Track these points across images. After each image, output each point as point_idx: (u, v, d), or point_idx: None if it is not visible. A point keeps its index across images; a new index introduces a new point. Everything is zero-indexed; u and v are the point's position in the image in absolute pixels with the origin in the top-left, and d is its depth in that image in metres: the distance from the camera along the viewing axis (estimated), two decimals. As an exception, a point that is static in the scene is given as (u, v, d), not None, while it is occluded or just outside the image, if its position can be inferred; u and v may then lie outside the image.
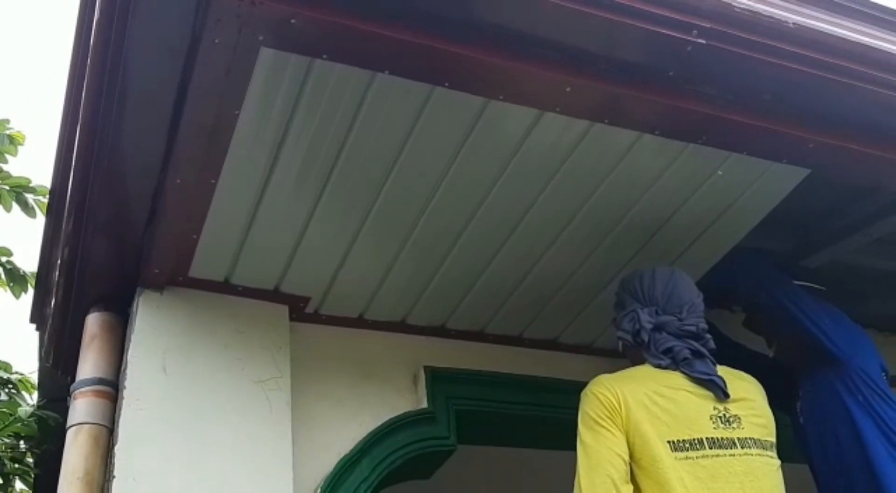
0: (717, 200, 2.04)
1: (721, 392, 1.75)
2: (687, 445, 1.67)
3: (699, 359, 1.79)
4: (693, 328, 1.82)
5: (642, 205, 2.02)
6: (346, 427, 2.05)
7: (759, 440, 1.74)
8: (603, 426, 1.69)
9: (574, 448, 1.96)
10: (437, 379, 2.19)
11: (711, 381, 1.76)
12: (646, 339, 1.81)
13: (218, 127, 1.58)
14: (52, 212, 2.20)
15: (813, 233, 2.46)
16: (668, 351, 1.79)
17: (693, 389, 1.76)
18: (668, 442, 1.67)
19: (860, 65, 1.68)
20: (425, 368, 2.20)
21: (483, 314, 2.30)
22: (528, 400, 2.28)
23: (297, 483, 1.87)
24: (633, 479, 1.67)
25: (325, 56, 1.48)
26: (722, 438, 1.69)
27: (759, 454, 1.72)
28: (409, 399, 2.17)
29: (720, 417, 1.73)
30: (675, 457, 1.65)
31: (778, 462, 1.77)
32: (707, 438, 1.68)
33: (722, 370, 1.82)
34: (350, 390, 2.12)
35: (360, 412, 2.09)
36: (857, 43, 1.67)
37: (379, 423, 2.08)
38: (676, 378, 1.77)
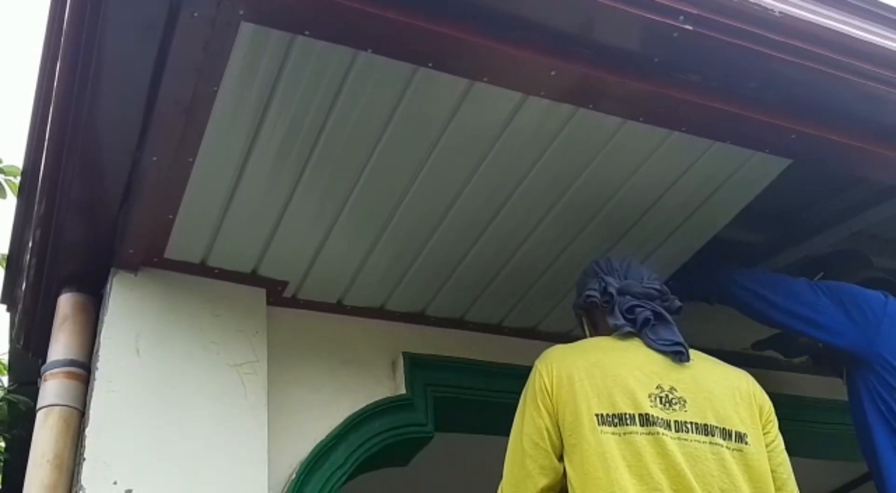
0: (698, 189, 2.04)
1: (683, 355, 1.72)
2: (616, 419, 1.63)
3: (662, 324, 1.77)
4: (657, 286, 1.83)
5: (624, 193, 2.01)
6: (322, 413, 2.03)
7: (707, 425, 1.66)
8: (534, 405, 1.72)
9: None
10: (416, 366, 2.18)
11: (675, 344, 1.73)
12: (613, 294, 1.80)
13: (195, 104, 1.54)
14: (25, 192, 2.15)
15: (791, 226, 2.47)
16: (630, 311, 1.78)
17: (644, 364, 1.72)
18: (597, 415, 1.64)
19: (845, 56, 1.68)
20: (404, 354, 2.18)
21: (463, 301, 2.29)
22: (506, 388, 2.25)
23: (272, 469, 1.84)
24: (566, 454, 1.65)
25: (306, 33, 1.45)
26: (657, 417, 1.64)
27: (703, 441, 1.65)
28: (387, 386, 2.15)
29: (661, 397, 1.68)
30: (601, 431, 1.63)
31: (747, 451, 1.68)
32: (641, 414, 1.63)
33: (702, 357, 1.80)
34: (327, 376, 2.10)
35: (337, 398, 2.07)
36: (843, 34, 1.67)
37: (356, 409, 2.06)
38: (629, 351, 1.74)
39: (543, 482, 1.67)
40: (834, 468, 3.11)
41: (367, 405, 2.08)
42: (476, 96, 1.68)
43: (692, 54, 1.61)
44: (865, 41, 1.69)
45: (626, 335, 1.77)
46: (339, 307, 2.21)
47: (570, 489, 1.65)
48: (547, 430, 1.69)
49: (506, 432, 2.40)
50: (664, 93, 1.65)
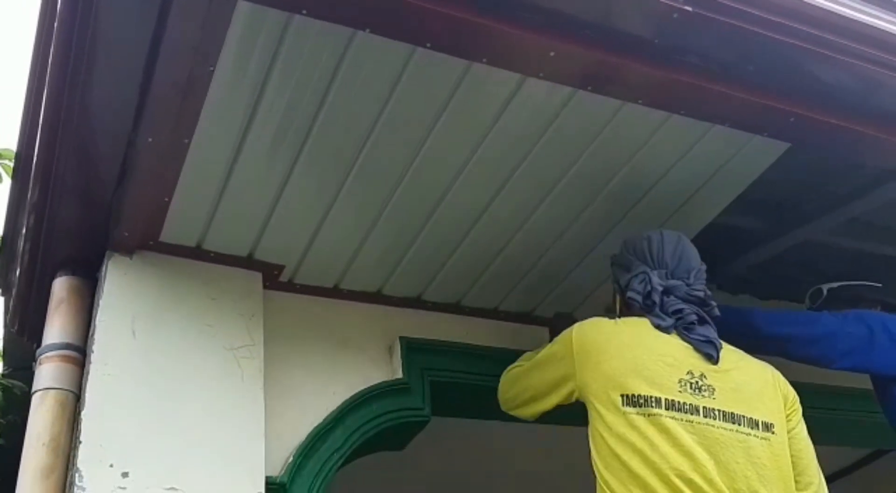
0: (696, 173, 2.03)
1: (715, 351, 1.75)
2: (641, 400, 1.67)
3: (703, 325, 1.80)
4: (700, 294, 1.83)
5: (621, 177, 2.01)
6: (319, 397, 2.02)
7: (735, 414, 1.71)
8: (554, 364, 1.84)
9: (546, 422, 1.99)
10: (413, 350, 2.17)
11: (708, 342, 1.76)
12: (657, 301, 1.80)
13: (192, 84, 1.53)
14: (19, 175, 2.13)
15: (787, 212, 2.47)
16: (676, 312, 1.79)
17: (677, 352, 1.75)
18: (622, 396, 1.69)
19: (845, 39, 1.67)
20: (401, 338, 2.17)
21: (460, 286, 2.28)
22: (503, 373, 2.26)
23: (269, 452, 1.84)
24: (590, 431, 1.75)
25: (304, 11, 1.43)
26: (685, 403, 1.68)
27: (731, 429, 1.70)
28: (383, 370, 2.15)
29: (691, 383, 1.71)
30: (625, 411, 1.67)
31: (774, 441, 1.73)
32: (667, 399, 1.67)
33: (730, 350, 1.82)
34: (324, 360, 2.09)
35: (333, 382, 2.07)
36: (844, 17, 1.66)
37: (353, 393, 2.06)
38: (664, 337, 1.77)
39: (531, 410, 1.92)
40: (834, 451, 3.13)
41: (364, 389, 2.08)
42: (475, 78, 1.67)
43: (692, 36, 1.60)
44: (865, 24, 1.68)
45: (665, 328, 1.79)
46: (335, 292, 2.20)
47: (593, 465, 1.71)
48: (553, 385, 1.83)
49: (502, 417, 2.41)
50: (664, 75, 1.64)
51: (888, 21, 1.74)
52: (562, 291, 2.34)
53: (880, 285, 2.40)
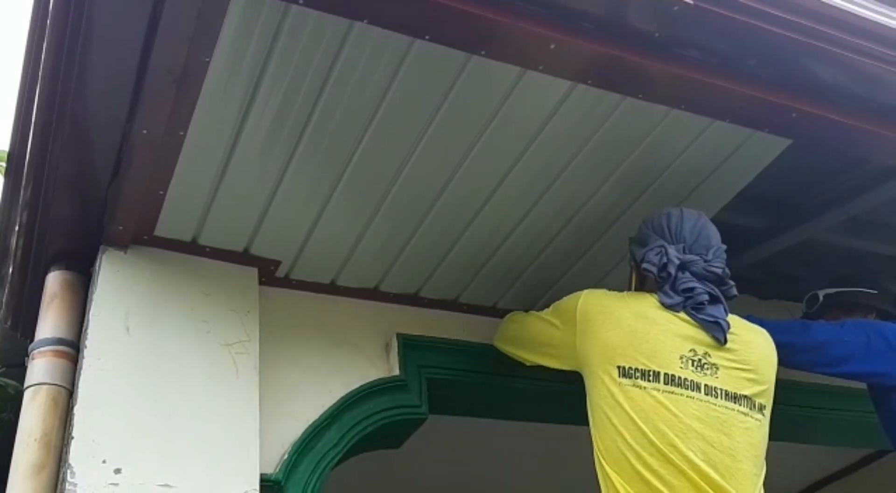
0: (696, 169, 2.02)
1: (721, 334, 1.74)
2: (638, 373, 1.67)
3: (713, 304, 1.77)
4: (719, 271, 1.80)
5: (621, 172, 1.99)
6: (315, 394, 2.01)
7: (737, 394, 1.71)
8: (556, 321, 1.89)
9: (544, 421, 1.99)
10: (410, 347, 2.15)
11: (716, 323, 1.74)
12: (672, 273, 1.77)
13: (187, 75, 1.51)
14: (11, 171, 2.11)
15: (787, 210, 2.46)
16: (687, 290, 1.76)
17: (681, 329, 1.74)
18: (618, 367, 1.69)
19: (847, 34, 1.65)
20: (398, 335, 2.15)
21: (457, 283, 2.26)
22: (501, 371, 2.24)
23: (264, 449, 1.82)
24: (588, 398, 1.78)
25: (301, 1, 1.41)
26: (685, 378, 1.68)
27: (732, 408, 1.69)
28: (380, 367, 2.13)
29: (693, 359, 1.70)
30: (621, 382, 1.68)
31: (763, 423, 1.75)
32: (666, 373, 1.67)
33: (737, 320, 1.81)
34: (320, 357, 2.07)
35: (330, 379, 2.05)
36: (847, 12, 1.65)
37: (349, 389, 2.04)
38: (669, 314, 1.75)
39: (519, 353, 2.03)
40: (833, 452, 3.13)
41: (361, 386, 2.06)
42: (473, 70, 1.65)
43: (693, 30, 1.58)
44: (868, 20, 1.67)
45: (672, 307, 1.77)
46: (332, 288, 2.18)
47: (591, 430, 1.74)
48: (551, 343, 1.87)
49: (499, 415, 2.39)
50: (664, 69, 1.62)
51: (891, 17, 1.73)
52: (560, 288, 2.32)
53: (876, 292, 2.39)
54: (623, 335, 1.72)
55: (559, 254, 2.21)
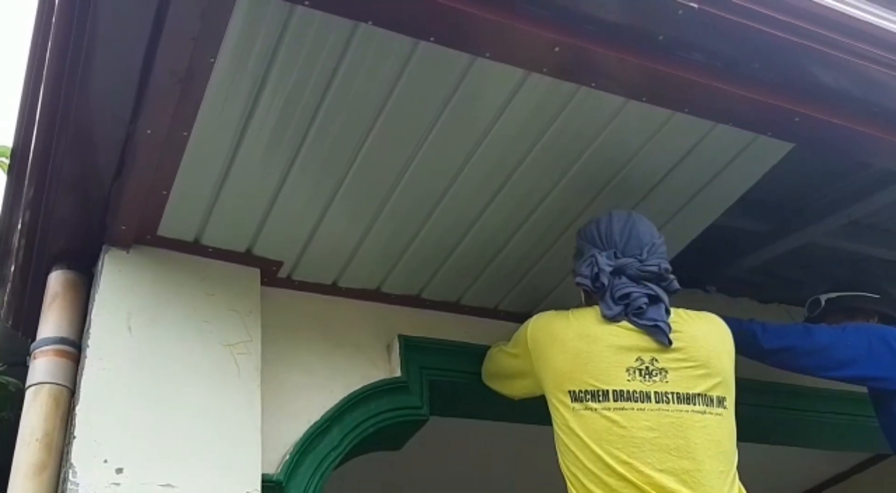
0: (699, 173, 2.02)
1: (664, 337, 1.71)
2: (588, 396, 1.67)
3: (654, 305, 1.75)
4: (654, 269, 1.78)
5: (624, 176, 1.99)
6: (316, 394, 2.00)
7: (690, 394, 1.69)
8: (514, 352, 1.93)
9: (545, 423, 1.99)
10: (411, 348, 2.15)
11: (656, 326, 1.72)
12: (605, 283, 1.76)
13: (192, 74, 1.51)
14: (14, 170, 2.11)
15: (788, 214, 2.46)
16: (624, 297, 1.74)
17: (625, 339, 1.72)
18: (570, 392, 1.70)
19: (850, 38, 1.66)
20: (399, 336, 2.15)
21: (460, 285, 2.26)
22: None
23: (266, 449, 1.82)
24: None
25: (306, 2, 1.41)
26: (633, 391, 1.67)
27: (685, 410, 1.67)
28: (381, 368, 2.13)
29: (640, 369, 1.69)
30: (573, 407, 1.69)
31: (725, 415, 1.71)
32: (614, 390, 1.67)
33: (681, 313, 1.79)
34: (322, 358, 2.07)
35: (331, 380, 2.04)
36: (851, 17, 1.65)
37: (351, 390, 2.04)
38: (612, 326, 1.74)
39: (502, 389, 2.05)
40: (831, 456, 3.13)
41: (363, 387, 2.06)
42: (477, 73, 1.65)
43: (696, 33, 1.58)
44: (873, 25, 1.67)
45: (614, 317, 1.76)
46: (334, 289, 2.18)
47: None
48: (521, 374, 1.90)
49: (500, 417, 2.39)
50: (668, 72, 1.62)
51: (892, 21, 1.73)
52: (562, 290, 2.32)
53: (878, 296, 2.40)
54: (569, 360, 1.72)
55: (561, 257, 2.21)
